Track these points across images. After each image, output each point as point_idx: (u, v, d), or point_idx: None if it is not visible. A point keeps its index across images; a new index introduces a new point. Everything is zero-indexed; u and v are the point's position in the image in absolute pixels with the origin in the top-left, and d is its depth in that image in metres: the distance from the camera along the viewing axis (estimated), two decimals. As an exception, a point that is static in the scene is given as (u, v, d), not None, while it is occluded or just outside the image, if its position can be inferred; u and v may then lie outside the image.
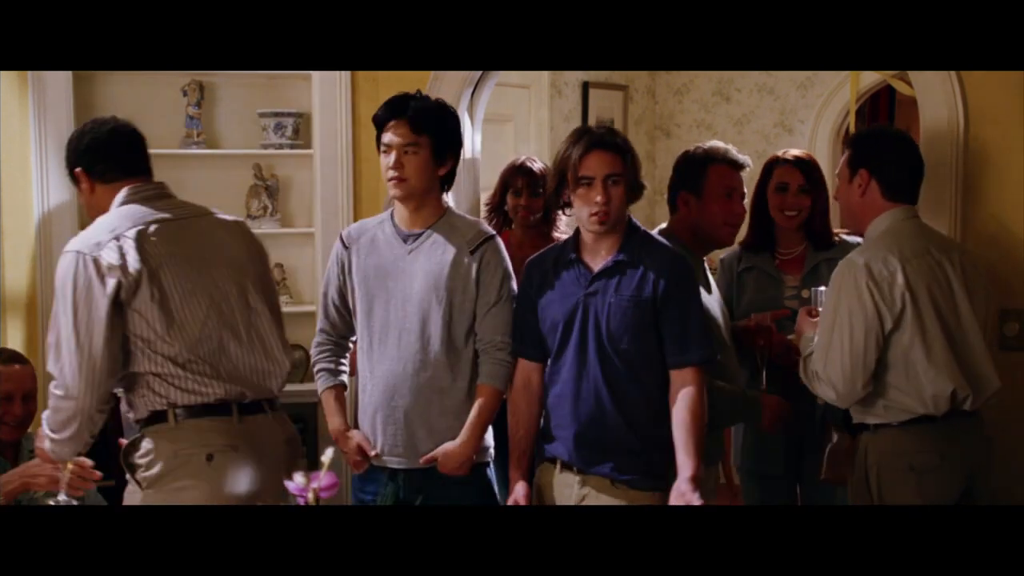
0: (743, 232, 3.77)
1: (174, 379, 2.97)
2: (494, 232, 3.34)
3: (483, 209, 4.74)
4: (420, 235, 3.28)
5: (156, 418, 3.01)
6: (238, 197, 4.71)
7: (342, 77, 4.60)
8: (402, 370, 3.25)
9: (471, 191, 4.73)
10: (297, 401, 4.61)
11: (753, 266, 3.84)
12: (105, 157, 3.13)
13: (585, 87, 6.76)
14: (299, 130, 4.69)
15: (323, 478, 1.93)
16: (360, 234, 3.37)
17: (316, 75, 4.61)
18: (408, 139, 3.19)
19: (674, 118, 7.24)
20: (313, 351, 3.48)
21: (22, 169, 4.37)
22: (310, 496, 2.01)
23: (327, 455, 2.09)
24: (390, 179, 3.23)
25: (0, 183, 4.31)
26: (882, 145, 3.29)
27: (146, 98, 4.64)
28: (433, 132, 3.22)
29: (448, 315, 3.24)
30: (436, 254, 3.26)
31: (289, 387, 4.52)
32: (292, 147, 4.68)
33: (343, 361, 3.46)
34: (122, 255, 2.92)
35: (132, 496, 3.04)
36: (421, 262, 3.26)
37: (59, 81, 4.39)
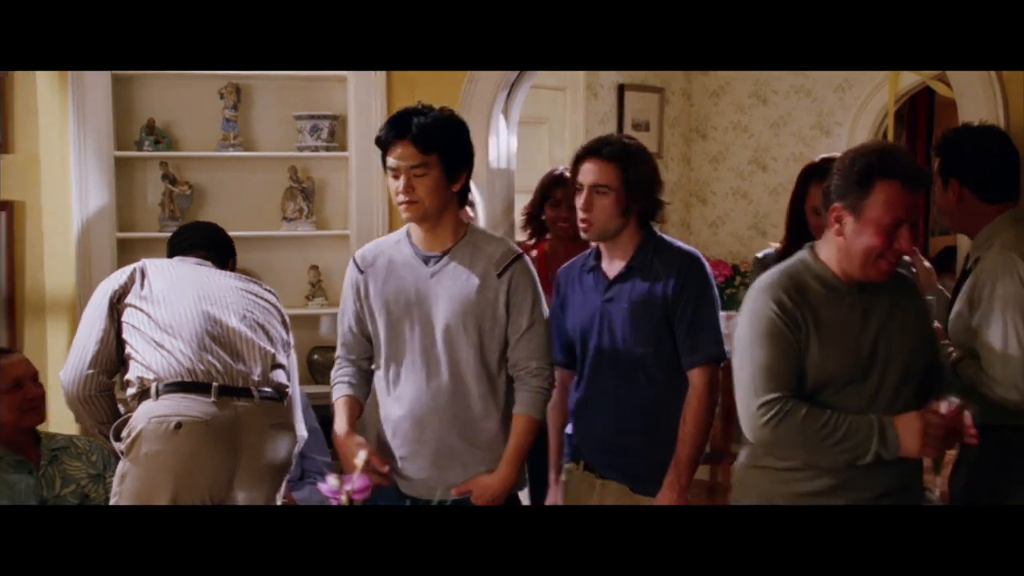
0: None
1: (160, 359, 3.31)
2: (521, 251, 3.16)
3: (519, 217, 4.74)
4: (442, 257, 3.11)
5: (143, 395, 3.31)
6: (274, 199, 4.73)
7: (377, 79, 4.61)
8: (431, 401, 3.09)
9: (506, 196, 4.73)
10: (327, 403, 4.65)
11: None
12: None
13: (620, 89, 6.73)
14: (335, 132, 4.71)
15: (356, 481, 1.93)
16: (376, 256, 3.19)
17: (352, 77, 4.62)
18: (416, 160, 3.00)
19: (710, 120, 7.20)
20: (334, 375, 3.32)
21: (62, 171, 4.41)
22: (343, 498, 2.00)
23: (360, 458, 2.10)
24: (401, 203, 3.05)
25: (40, 185, 4.35)
26: (965, 149, 3.16)
27: (183, 101, 4.67)
28: (443, 149, 3.02)
29: (479, 342, 3.07)
30: (461, 278, 3.08)
31: (324, 388, 4.63)
32: (327, 149, 4.70)
33: (363, 380, 3.28)
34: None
35: (119, 467, 3.34)
36: (445, 286, 3.09)
37: (98, 84, 4.43)
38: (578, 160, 3.18)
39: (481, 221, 4.27)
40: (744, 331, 2.67)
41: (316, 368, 4.75)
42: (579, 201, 3.14)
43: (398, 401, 3.15)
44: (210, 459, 3.30)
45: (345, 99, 4.68)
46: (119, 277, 3.54)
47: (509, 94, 4.60)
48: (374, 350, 3.22)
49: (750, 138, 7.05)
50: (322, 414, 4.13)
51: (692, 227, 7.20)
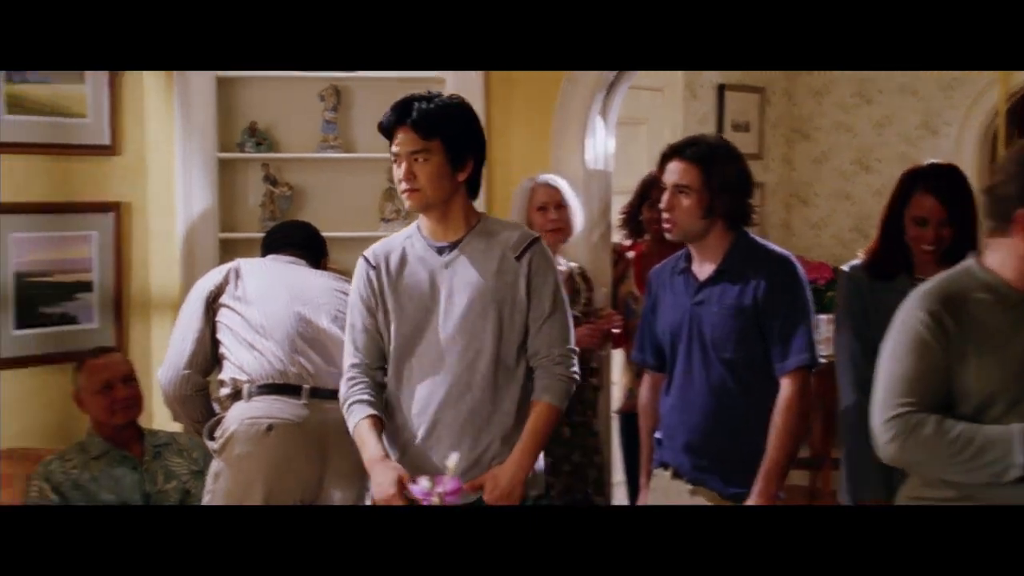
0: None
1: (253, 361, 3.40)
2: (538, 234, 3.07)
3: (617, 217, 4.71)
4: (456, 245, 2.98)
5: (235, 396, 3.42)
6: (372, 200, 4.76)
7: (475, 81, 4.61)
8: (444, 395, 2.94)
9: (603, 197, 4.70)
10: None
11: (891, 288, 3.25)
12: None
13: (721, 89, 6.65)
14: (433, 134, 4.71)
15: (447, 483, 1.93)
16: (387, 252, 3.07)
17: (450, 79, 4.63)
18: (416, 145, 2.90)
19: (812, 120, 7.07)
20: (343, 387, 3.09)
21: (167, 173, 4.50)
22: (435, 499, 2.01)
23: (452, 460, 2.10)
24: (403, 191, 2.96)
25: (147, 187, 4.44)
26: None
27: (284, 103, 4.73)
28: (445, 134, 2.89)
29: (498, 330, 2.94)
30: (477, 264, 2.96)
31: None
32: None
33: (378, 394, 3.06)
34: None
35: (212, 466, 3.44)
36: (461, 274, 2.96)
37: (203, 86, 4.51)
38: (664, 160, 3.18)
39: (578, 222, 4.25)
40: (888, 342, 2.50)
41: (413, 368, 4.77)
42: (663, 200, 3.14)
43: (412, 396, 3.00)
44: (300, 461, 3.34)
45: (444, 101, 4.68)
46: (214, 277, 3.60)
47: (607, 95, 4.57)
48: (386, 349, 3.05)
49: (854, 138, 6.91)
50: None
51: (793, 229, 7.08)
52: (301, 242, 3.82)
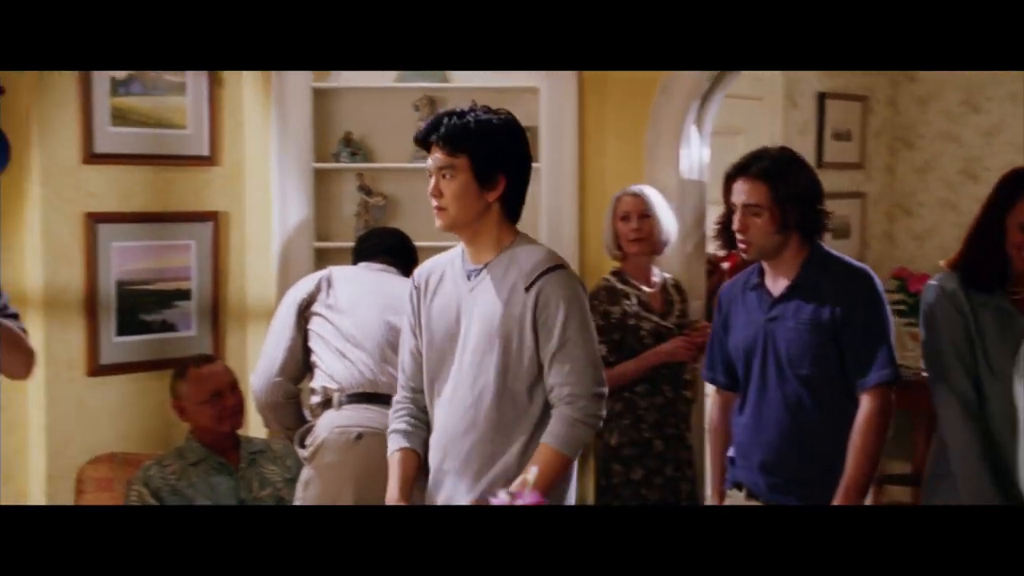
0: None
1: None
2: (559, 262, 2.80)
3: (711, 227, 4.64)
4: (482, 270, 2.83)
5: (326, 404, 3.44)
6: (466, 210, 4.76)
7: (569, 91, 4.61)
8: (453, 428, 2.82)
9: (697, 207, 4.65)
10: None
11: (988, 303, 3.07)
12: None
13: (821, 98, 6.53)
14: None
15: (528, 496, 1.91)
16: (430, 272, 2.96)
17: (543, 89, 4.63)
18: (443, 162, 2.77)
19: (916, 129, 6.91)
20: (391, 413, 3.03)
21: (264, 183, 4.56)
22: (515, 514, 2.00)
23: (531, 473, 2.09)
24: (434, 208, 2.83)
25: (244, 196, 4.51)
26: None
27: (379, 113, 4.76)
28: (472, 150, 2.73)
29: (502, 365, 2.75)
30: (491, 293, 2.78)
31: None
32: (519, 161, 4.70)
33: (421, 424, 2.97)
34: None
35: (302, 474, 3.48)
36: (480, 303, 2.79)
37: (299, 98, 4.57)
38: (728, 180, 3.10)
39: (670, 233, 4.19)
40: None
41: (505, 378, 4.76)
42: (734, 222, 3.06)
43: (436, 422, 2.91)
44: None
45: (536, 110, 4.68)
46: (306, 285, 3.63)
47: (702, 105, 4.52)
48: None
49: (960, 147, 6.73)
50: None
51: (896, 240, 6.93)
52: (392, 249, 3.85)
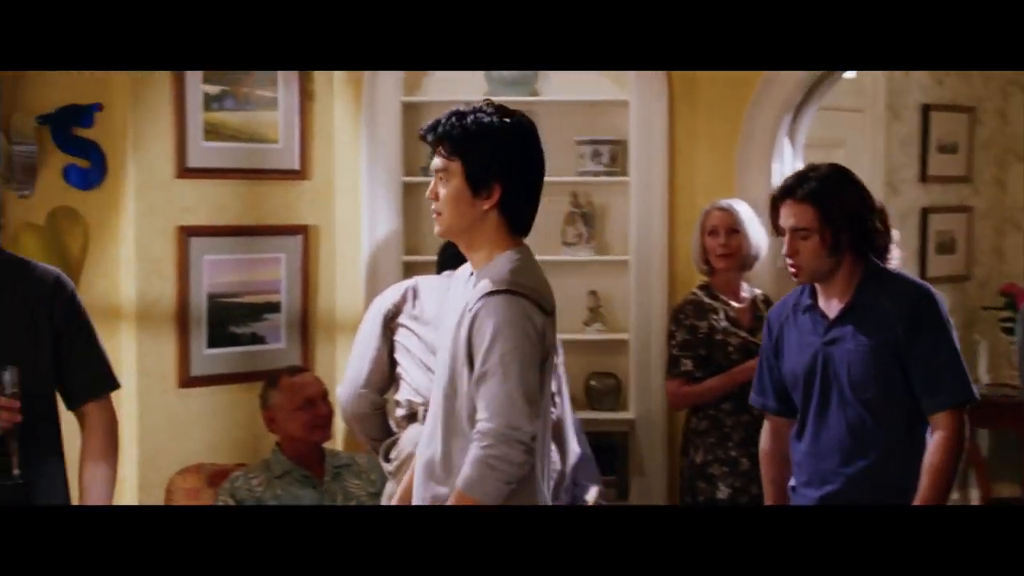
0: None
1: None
2: (506, 286, 2.49)
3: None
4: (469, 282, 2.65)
5: (411, 417, 3.39)
6: (555, 224, 4.74)
7: (659, 104, 4.57)
8: (419, 451, 2.67)
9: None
10: (608, 430, 4.62)
11: None
12: None
13: (925, 110, 6.36)
14: (616, 157, 4.67)
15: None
16: (458, 276, 2.78)
17: (634, 102, 4.59)
18: (440, 164, 2.58)
19: (1028, 141, 6.68)
20: None
21: (353, 196, 4.59)
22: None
23: (591, 495, 2.05)
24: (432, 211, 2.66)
25: (334, 210, 4.55)
26: None
27: (469, 127, 4.75)
28: (465, 154, 2.53)
29: (451, 391, 2.55)
30: (455, 311, 2.60)
31: (601, 414, 4.62)
32: (608, 174, 4.67)
33: None
34: None
35: (386, 488, 3.46)
36: (450, 315, 2.63)
37: (389, 111, 4.59)
38: (775, 203, 3.00)
39: (760, 248, 4.09)
40: None
41: (593, 394, 4.72)
42: (784, 246, 2.96)
43: None
44: None
45: (626, 123, 4.64)
46: (392, 296, 3.62)
47: (795, 117, 4.44)
48: None
49: (1075, 162, 6.50)
50: (595, 441, 4.11)
51: (1006, 255, 6.70)
52: None
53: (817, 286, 3.02)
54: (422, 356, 3.49)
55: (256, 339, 4.35)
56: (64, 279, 2.78)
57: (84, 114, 4.02)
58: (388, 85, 4.58)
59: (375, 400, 3.62)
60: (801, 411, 3.05)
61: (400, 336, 3.56)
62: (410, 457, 3.36)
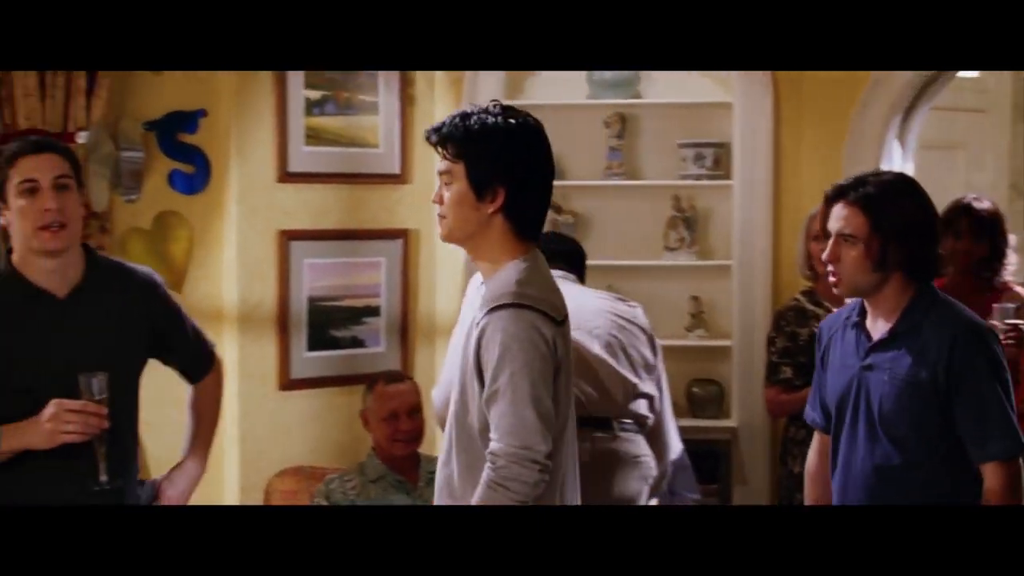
0: None
1: None
2: (512, 300, 2.38)
3: None
4: (481, 288, 2.55)
5: None
6: (656, 228, 4.68)
7: (763, 105, 4.48)
8: (438, 469, 2.57)
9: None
10: (710, 438, 4.54)
11: None
12: None
13: (1052, 110, 6.13)
14: (719, 160, 4.59)
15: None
16: (473, 281, 2.71)
17: (737, 104, 4.50)
18: (443, 167, 2.49)
19: None
20: None
21: (454, 201, 4.58)
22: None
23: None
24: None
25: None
26: None
27: (570, 130, 4.71)
28: (468, 156, 2.43)
29: (461, 402, 2.47)
30: (465, 323, 2.53)
31: (702, 422, 4.54)
32: (711, 178, 4.59)
33: None
34: None
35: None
36: (462, 327, 2.55)
37: (489, 116, 4.57)
38: (827, 202, 2.72)
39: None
40: None
41: (695, 401, 4.65)
42: (825, 251, 2.70)
43: None
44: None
45: (730, 126, 4.55)
46: None
47: (905, 118, 4.30)
48: None
49: None
50: (694, 449, 4.03)
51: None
52: (568, 255, 3.73)
53: (867, 303, 2.77)
54: None
55: (356, 342, 4.38)
56: (155, 276, 2.84)
57: (189, 120, 4.11)
58: (489, 87, 4.56)
59: None
60: (833, 438, 2.80)
61: None
62: None
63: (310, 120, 4.28)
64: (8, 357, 2.55)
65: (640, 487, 3.36)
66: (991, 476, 2.59)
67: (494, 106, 2.49)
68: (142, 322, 2.75)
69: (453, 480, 2.49)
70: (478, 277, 2.61)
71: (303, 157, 4.26)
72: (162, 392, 4.06)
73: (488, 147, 2.43)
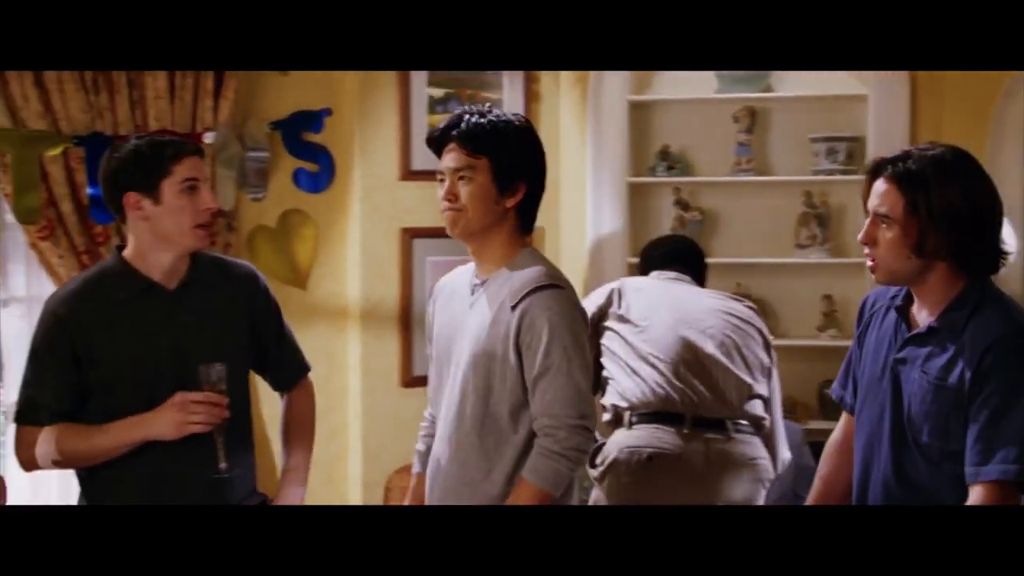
0: None
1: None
2: (550, 281, 2.51)
3: None
4: (483, 284, 2.61)
5: (616, 422, 3.35)
6: (787, 225, 4.55)
7: (900, 97, 4.31)
8: (441, 452, 2.63)
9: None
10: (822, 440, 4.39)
11: None
12: None
13: None
14: (852, 155, 4.43)
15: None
16: (445, 285, 2.77)
17: (872, 96, 4.35)
18: (461, 163, 2.55)
19: None
20: (419, 432, 2.86)
21: (579, 197, 4.55)
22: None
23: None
24: (443, 211, 2.62)
25: (559, 211, 4.52)
26: None
27: (698, 125, 4.63)
28: (493, 152, 2.53)
29: (486, 388, 2.53)
30: (483, 309, 2.57)
31: (835, 423, 4.38)
32: (845, 173, 4.43)
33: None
34: None
35: (592, 494, 3.41)
36: (474, 320, 2.59)
37: (615, 111, 4.51)
38: (868, 178, 2.37)
39: (1011, 247, 3.77)
40: None
41: (827, 403, 4.49)
42: (861, 232, 2.38)
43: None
44: (680, 493, 3.22)
45: (865, 119, 4.39)
46: (597, 298, 3.55)
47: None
48: None
49: None
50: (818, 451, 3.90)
51: None
52: (684, 257, 3.65)
53: (913, 289, 2.43)
54: (628, 360, 3.40)
55: (478, 340, 4.36)
56: (258, 274, 2.85)
57: (314, 119, 4.15)
58: (615, 84, 4.50)
59: None
60: (857, 430, 2.49)
61: (606, 339, 3.48)
62: (615, 463, 3.30)
63: (433, 118, 4.27)
64: (123, 349, 2.60)
65: (754, 490, 3.27)
66: (982, 496, 2.22)
67: (495, 108, 2.63)
68: (244, 314, 2.77)
69: (470, 466, 2.55)
70: (457, 279, 2.70)
71: (426, 155, 4.20)
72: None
73: (512, 144, 2.56)
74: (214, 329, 2.68)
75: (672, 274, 3.55)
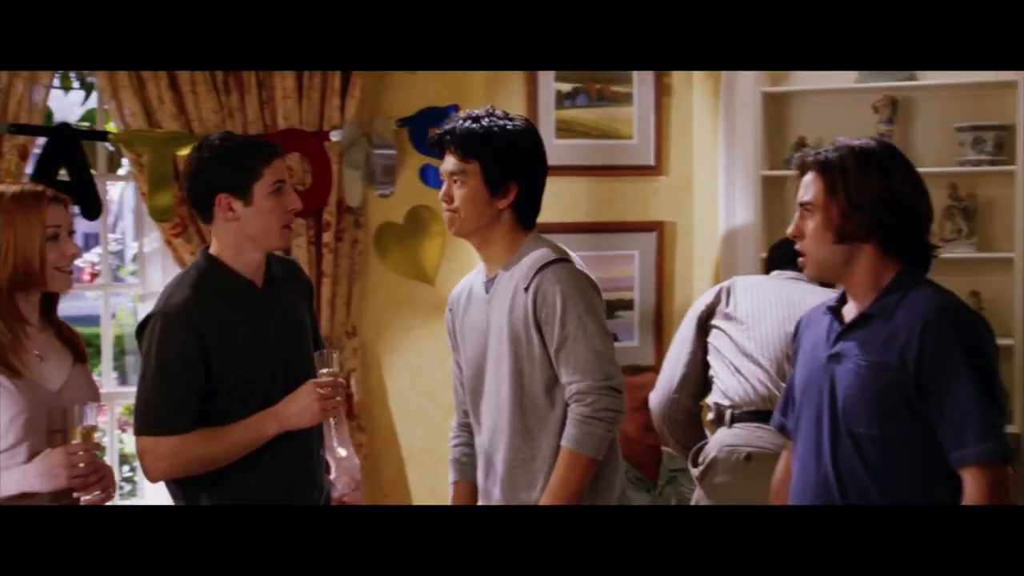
0: None
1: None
2: (556, 256, 2.66)
3: None
4: (495, 279, 2.74)
5: (718, 421, 3.33)
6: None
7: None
8: (490, 444, 2.74)
9: None
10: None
11: None
12: None
13: None
14: (1002, 145, 4.22)
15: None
16: (459, 294, 2.88)
17: (1022, 83, 4.11)
18: (455, 166, 2.70)
19: None
20: (450, 444, 2.97)
21: (711, 191, 4.48)
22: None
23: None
24: (444, 214, 2.77)
25: (692, 205, 4.45)
26: None
27: (836, 116, 4.47)
28: (483, 156, 2.67)
29: (516, 369, 2.67)
30: (502, 299, 2.70)
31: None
32: (992, 163, 4.22)
33: (470, 455, 2.88)
34: None
35: (694, 494, 3.41)
36: (495, 311, 2.72)
37: (749, 103, 4.41)
38: (797, 173, 2.44)
39: None
40: None
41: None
42: (790, 226, 2.40)
43: (477, 450, 2.83)
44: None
45: (1014, 106, 4.17)
46: (706, 297, 3.50)
47: None
48: None
49: None
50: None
51: None
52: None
53: (845, 287, 2.41)
54: (732, 358, 3.33)
55: (608, 336, 4.33)
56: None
57: (442, 116, 4.12)
58: (749, 76, 4.40)
59: (688, 406, 3.48)
60: (795, 440, 2.46)
61: (712, 337, 3.42)
62: (715, 462, 3.24)
63: (561, 113, 4.27)
64: (242, 348, 2.67)
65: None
66: (970, 483, 2.20)
67: (495, 110, 2.74)
68: (309, 307, 2.93)
69: (520, 454, 2.66)
70: (462, 288, 2.86)
71: (554, 149, 4.14)
72: (415, 382, 4.21)
73: (501, 147, 2.68)
74: (298, 321, 2.82)
75: (791, 273, 3.45)
